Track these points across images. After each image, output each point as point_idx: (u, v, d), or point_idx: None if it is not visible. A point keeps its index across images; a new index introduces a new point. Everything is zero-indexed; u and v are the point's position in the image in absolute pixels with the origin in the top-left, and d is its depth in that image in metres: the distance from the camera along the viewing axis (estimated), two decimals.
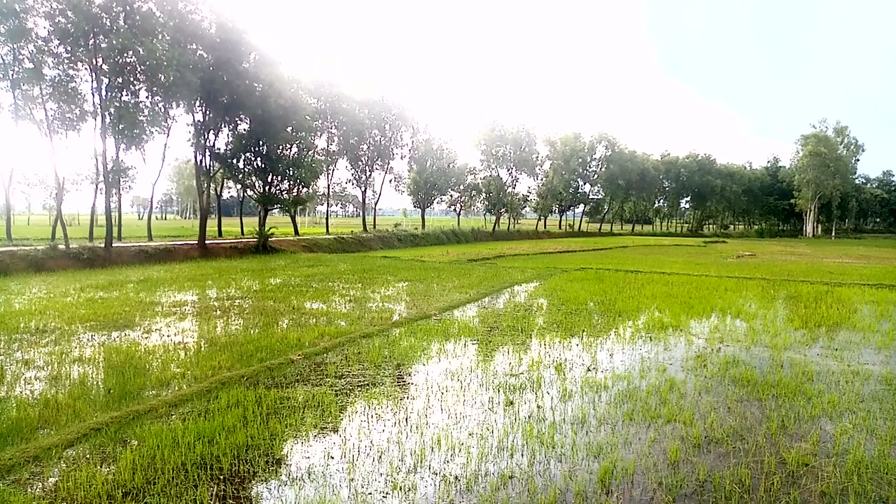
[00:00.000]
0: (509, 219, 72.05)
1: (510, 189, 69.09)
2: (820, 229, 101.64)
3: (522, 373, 8.07)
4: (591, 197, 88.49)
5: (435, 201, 65.30)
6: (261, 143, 33.43)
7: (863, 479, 4.79)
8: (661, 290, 17.03)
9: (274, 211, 44.98)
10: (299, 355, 8.71)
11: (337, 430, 5.91)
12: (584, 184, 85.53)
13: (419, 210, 62.44)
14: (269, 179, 35.15)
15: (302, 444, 5.58)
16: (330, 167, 51.00)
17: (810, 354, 9.41)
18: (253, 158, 34.32)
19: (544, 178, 77.64)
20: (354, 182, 53.61)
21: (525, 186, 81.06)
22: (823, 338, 10.78)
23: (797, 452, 5.30)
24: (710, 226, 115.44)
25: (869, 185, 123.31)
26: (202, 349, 9.19)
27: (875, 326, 11.86)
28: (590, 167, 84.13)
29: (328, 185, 56.06)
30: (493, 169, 67.34)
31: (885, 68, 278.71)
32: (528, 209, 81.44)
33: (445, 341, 10.08)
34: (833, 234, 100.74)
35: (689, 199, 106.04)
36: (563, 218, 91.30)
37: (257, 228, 34.96)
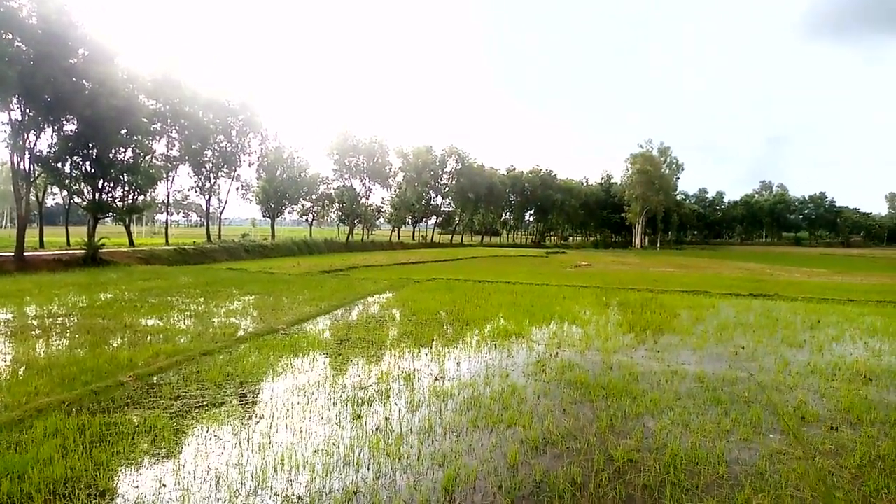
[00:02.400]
0: (363, 230, 71.93)
1: (364, 200, 69.05)
2: (647, 241, 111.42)
3: (372, 385, 8.05)
4: (443, 209, 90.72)
5: (286, 211, 63.67)
6: (91, 145, 30.67)
7: (678, 471, 5.27)
8: (506, 299, 17.77)
9: (106, 220, 41.54)
10: (130, 377, 8.07)
11: (171, 456, 5.53)
12: (437, 196, 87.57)
13: (269, 220, 60.49)
14: (101, 186, 32.32)
15: (131, 472, 5.16)
16: (170, 173, 48.01)
17: (636, 357, 10.23)
18: (81, 162, 31.37)
19: (398, 190, 78.49)
20: (198, 190, 50.79)
21: (379, 197, 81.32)
22: (648, 341, 11.76)
23: (623, 449, 5.73)
24: (552, 237, 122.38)
25: (688, 201, 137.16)
26: (16, 374, 8.23)
27: (691, 329, 13.16)
28: (441, 180, 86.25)
29: (168, 193, 52.71)
30: (346, 179, 67.01)
31: (699, 93, 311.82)
32: (382, 220, 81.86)
33: (293, 356, 9.82)
34: (658, 245, 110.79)
35: (532, 212, 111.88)
36: (417, 229, 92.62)
37: (86, 239, 32.02)
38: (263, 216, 61.03)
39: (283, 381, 8.33)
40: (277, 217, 60.87)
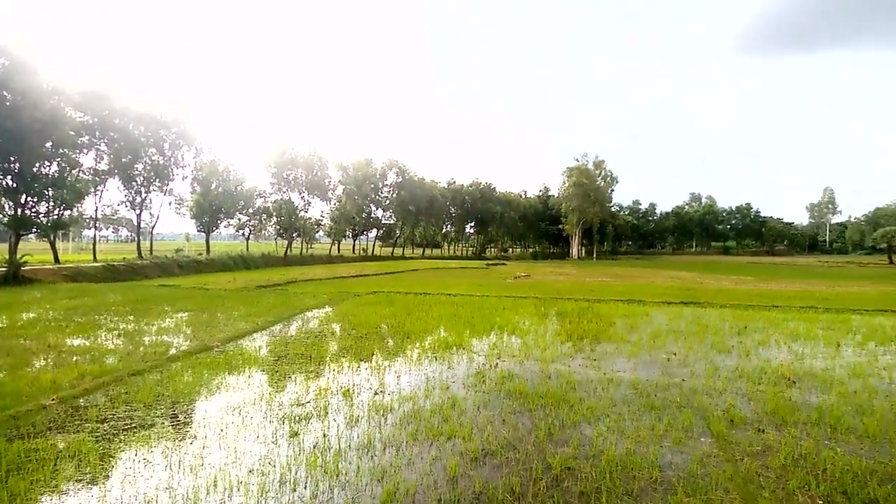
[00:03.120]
0: (302, 243, 70.89)
1: (303, 213, 68.11)
2: (584, 252, 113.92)
3: (310, 402, 7.91)
4: (383, 222, 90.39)
5: (222, 225, 62.15)
6: (12, 159, 29.25)
7: (614, 477, 5.39)
8: (447, 311, 17.81)
9: (30, 236, 39.53)
10: (53, 399, 7.68)
11: (97, 482, 5.28)
12: (377, 209, 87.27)
13: (204, 234, 58.89)
14: (23, 200, 30.84)
15: (53, 502, 4.91)
16: (99, 188, 46.13)
17: (574, 365, 10.41)
18: (2, 177, 29.89)
19: (337, 203, 77.77)
20: (128, 204, 48.92)
21: (318, 210, 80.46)
22: (585, 349, 11.98)
23: (561, 457, 5.81)
24: (492, 249, 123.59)
25: (622, 213, 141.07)
26: None
27: (626, 337, 13.48)
28: (382, 193, 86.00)
29: (97, 208, 50.60)
30: (284, 192, 65.96)
31: (637, 106, 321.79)
32: (321, 233, 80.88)
33: (228, 374, 9.56)
34: (595, 255, 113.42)
35: (473, 224, 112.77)
36: (357, 242, 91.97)
37: (6, 256, 30.37)
38: (198, 230, 59.38)
39: (218, 399, 8.10)
40: (213, 231, 59.28)
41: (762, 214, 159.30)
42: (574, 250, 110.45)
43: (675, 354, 11.43)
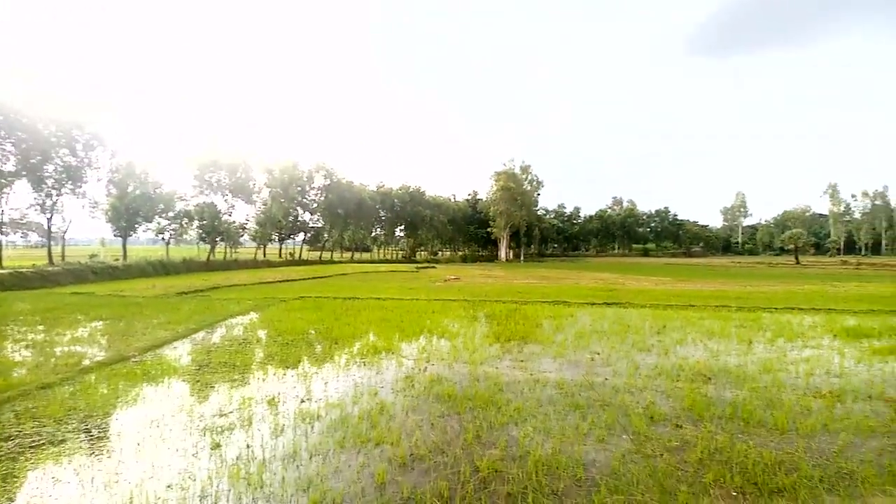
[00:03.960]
0: (226, 248, 68.91)
1: (226, 216, 66.17)
2: (512, 254, 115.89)
3: (233, 412, 7.68)
4: (311, 225, 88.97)
5: (140, 229, 59.55)
6: None
7: (540, 476, 5.47)
8: (376, 316, 17.69)
9: None
10: None
11: None
12: (304, 212, 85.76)
13: (121, 239, 56.33)
14: None
15: None
16: (5, 190, 43.42)
17: (502, 367, 10.53)
18: None
19: (263, 206, 76.01)
20: (38, 208, 46.27)
21: (243, 214, 78.34)
22: (513, 351, 12.13)
23: (488, 459, 5.86)
24: (423, 252, 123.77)
25: (548, 216, 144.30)
26: None
27: (552, 338, 13.74)
28: (309, 196, 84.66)
29: (2, 212, 47.57)
30: (206, 195, 63.93)
31: (559, 115, 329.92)
32: (246, 237, 78.83)
33: (146, 385, 9.17)
34: (522, 258, 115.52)
35: (402, 227, 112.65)
36: (284, 246, 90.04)
37: None
38: (115, 235, 56.66)
39: (135, 412, 7.75)
40: (130, 236, 56.74)
41: (679, 218, 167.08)
42: (502, 253, 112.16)
43: (598, 354, 11.73)
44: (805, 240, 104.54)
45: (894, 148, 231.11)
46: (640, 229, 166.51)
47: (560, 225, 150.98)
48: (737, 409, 7.69)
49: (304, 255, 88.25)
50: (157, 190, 56.85)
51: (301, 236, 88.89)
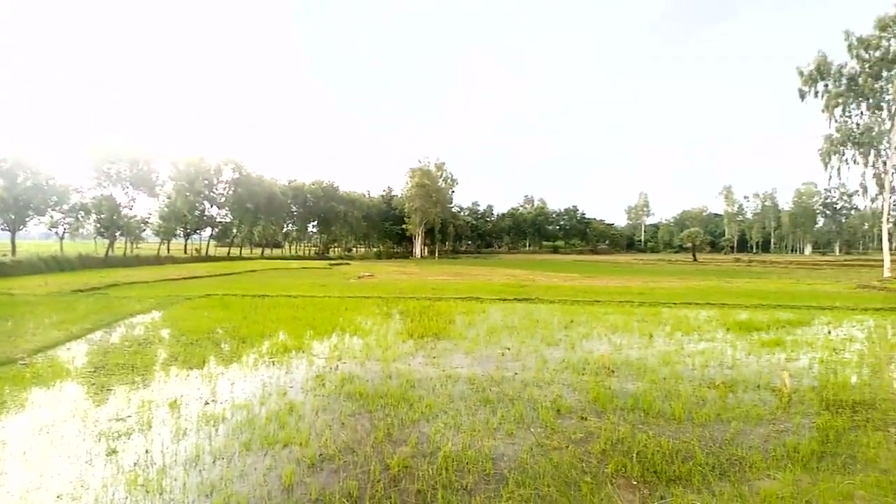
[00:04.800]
0: (126, 243, 65.50)
1: (127, 210, 62.84)
2: (426, 251, 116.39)
3: (131, 416, 7.29)
4: (219, 220, 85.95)
5: (31, 223, 55.64)
6: None
7: (450, 472, 5.51)
8: (286, 314, 17.30)
9: None
10: None
11: None
12: (212, 206, 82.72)
13: (9, 233, 52.39)
14: None
15: None
16: None
17: (414, 364, 10.54)
18: None
19: (167, 200, 72.74)
20: None
21: (145, 208, 74.65)
22: (425, 347, 12.17)
23: (399, 457, 5.85)
24: (336, 249, 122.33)
25: (462, 213, 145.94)
26: None
27: (465, 334, 13.88)
28: (217, 189, 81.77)
29: None
30: (105, 187, 60.46)
31: (474, 114, 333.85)
32: (148, 232, 75.15)
33: (36, 389, 8.58)
34: (437, 255, 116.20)
35: (315, 223, 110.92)
36: (189, 242, 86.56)
37: None
38: (2, 229, 52.70)
39: (22, 418, 7.23)
40: (20, 230, 52.91)
41: (587, 216, 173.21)
42: (417, 249, 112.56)
43: (508, 349, 11.95)
44: (702, 238, 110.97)
45: (782, 153, 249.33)
46: (550, 227, 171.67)
47: (474, 222, 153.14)
48: (638, 400, 8.02)
49: (212, 252, 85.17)
50: (51, 181, 53.25)
51: (208, 231, 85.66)
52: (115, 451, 6.06)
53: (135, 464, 5.73)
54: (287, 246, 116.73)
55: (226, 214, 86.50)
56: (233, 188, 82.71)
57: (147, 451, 6.06)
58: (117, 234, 61.90)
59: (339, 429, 6.79)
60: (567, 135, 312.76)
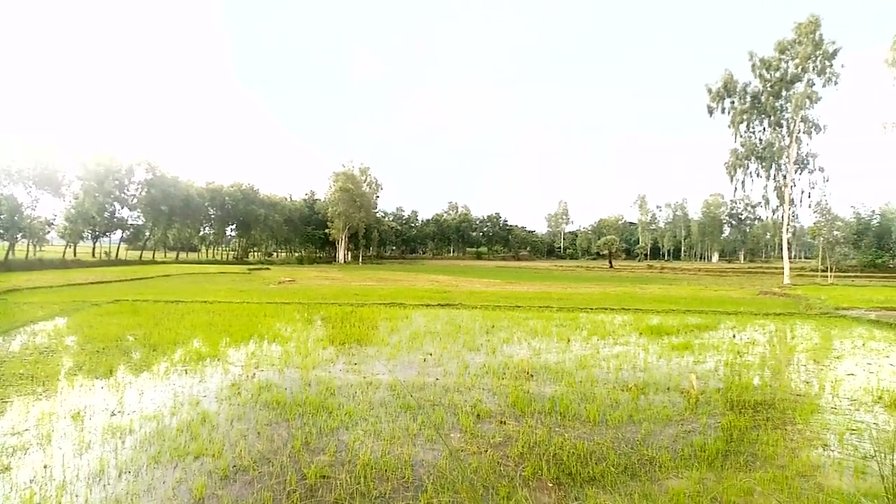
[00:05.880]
0: (29, 245, 61.58)
1: (30, 211, 59.15)
2: (350, 256, 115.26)
3: (29, 429, 6.85)
4: (130, 223, 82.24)
5: None
6: None
7: (368, 480, 5.45)
8: (202, 320, 16.72)
9: None
10: None
11: None
12: (123, 208, 79.12)
13: None
14: None
15: None
16: None
17: (335, 371, 10.40)
18: None
19: (74, 200, 68.98)
20: None
21: (50, 208, 70.45)
22: (347, 354, 12.04)
23: (317, 466, 5.73)
24: (256, 253, 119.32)
25: (387, 219, 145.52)
26: None
27: (387, 340, 13.82)
28: (129, 190, 78.27)
29: None
30: (5, 186, 56.73)
31: (401, 118, 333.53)
32: (53, 234, 70.96)
33: None
34: (361, 260, 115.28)
35: (234, 227, 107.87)
36: (98, 245, 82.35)
37: None
38: None
39: None
40: None
41: (509, 223, 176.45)
42: (341, 254, 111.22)
43: (431, 355, 11.98)
44: (618, 246, 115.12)
45: (692, 164, 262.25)
46: (474, 233, 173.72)
47: (399, 228, 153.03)
48: (555, 403, 8.20)
49: (123, 255, 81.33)
50: None
51: (119, 234, 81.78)
52: (8, 468, 5.66)
53: (31, 480, 5.38)
54: (204, 250, 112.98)
55: (138, 216, 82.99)
56: (146, 189, 79.39)
57: (46, 467, 5.70)
58: (18, 236, 58.14)
59: (254, 438, 6.60)
60: (489, 143, 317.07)
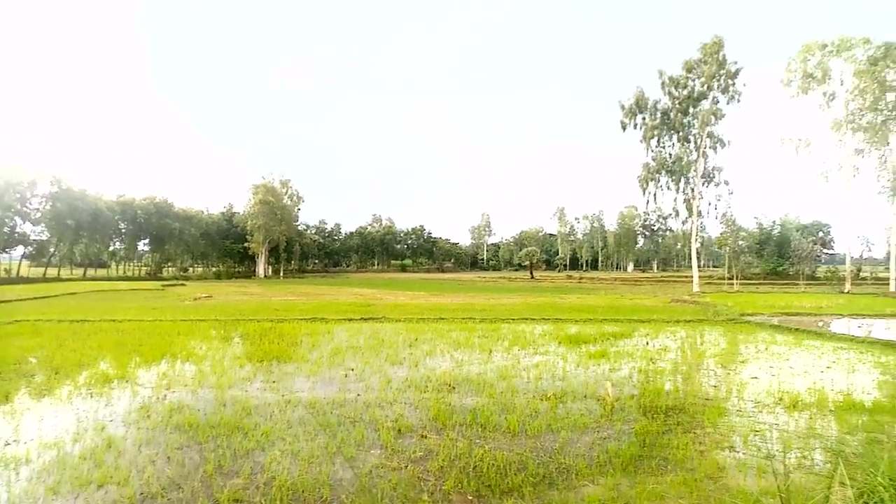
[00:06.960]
0: None
1: None
2: (271, 270, 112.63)
3: None
4: (33, 238, 77.50)
5: None
6: None
7: (284, 502, 5.29)
8: (110, 339, 15.90)
9: None
10: None
11: None
12: (25, 223, 74.50)
13: None
14: None
15: None
16: None
17: (251, 390, 10.09)
18: None
19: None
20: None
21: None
22: (265, 372, 11.71)
23: (230, 490, 5.52)
24: (170, 268, 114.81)
25: (309, 231, 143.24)
26: None
27: (308, 356, 13.55)
28: (31, 204, 73.83)
29: None
30: None
31: (321, 131, 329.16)
32: None
33: None
34: (282, 274, 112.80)
35: (147, 241, 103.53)
36: None
37: None
38: None
39: None
40: None
41: (434, 235, 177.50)
42: (261, 269, 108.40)
43: (352, 370, 11.83)
44: (538, 257, 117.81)
45: (609, 177, 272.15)
46: (398, 246, 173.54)
47: (321, 241, 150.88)
48: (476, 415, 8.25)
49: (24, 272, 76.46)
50: None
51: (20, 250, 76.92)
52: None
53: None
54: (114, 266, 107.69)
55: (42, 231, 78.29)
56: (50, 203, 75.07)
57: None
58: None
59: (164, 464, 6.31)
60: (415, 154, 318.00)
